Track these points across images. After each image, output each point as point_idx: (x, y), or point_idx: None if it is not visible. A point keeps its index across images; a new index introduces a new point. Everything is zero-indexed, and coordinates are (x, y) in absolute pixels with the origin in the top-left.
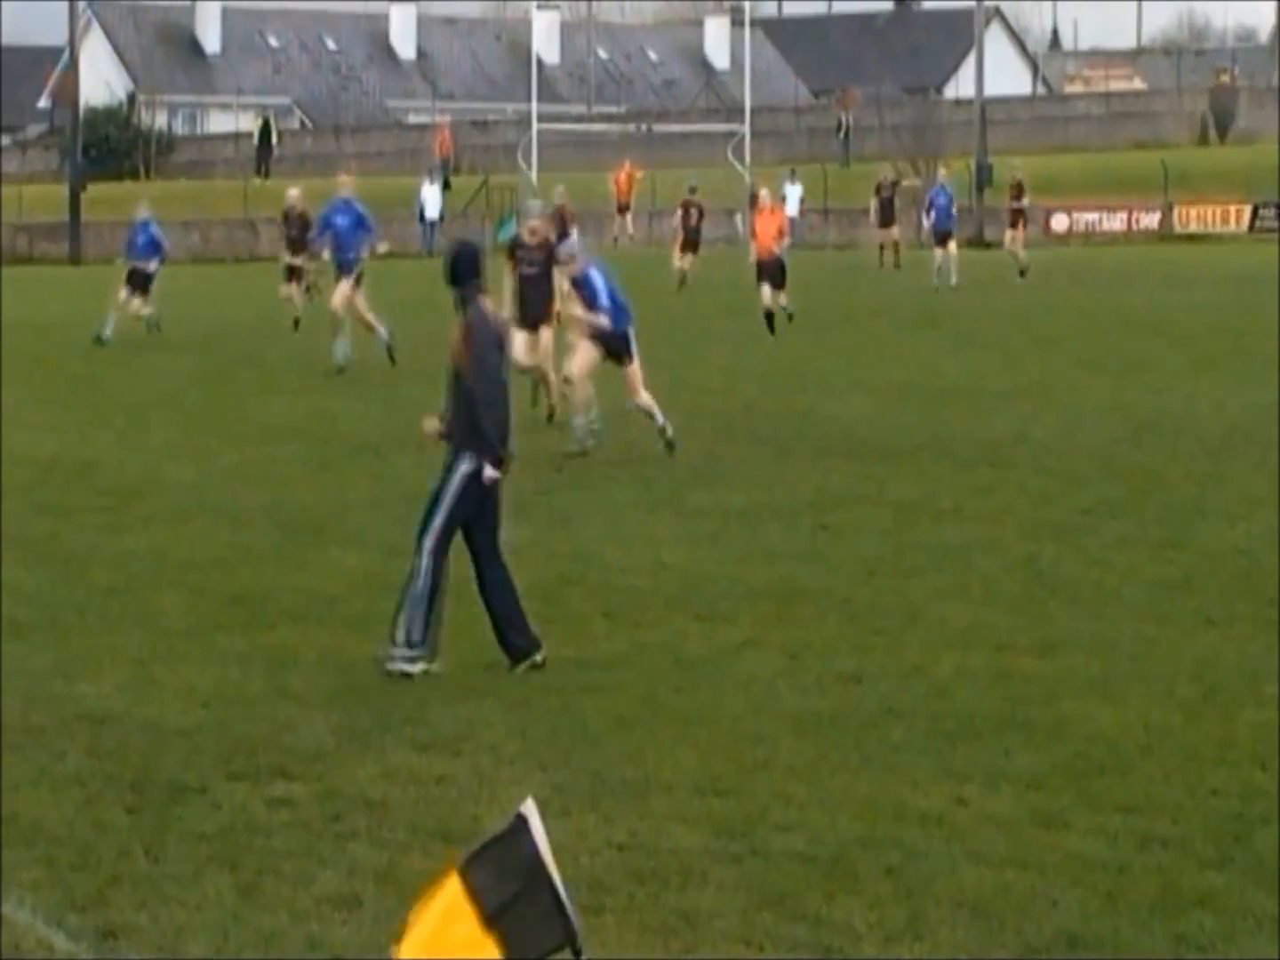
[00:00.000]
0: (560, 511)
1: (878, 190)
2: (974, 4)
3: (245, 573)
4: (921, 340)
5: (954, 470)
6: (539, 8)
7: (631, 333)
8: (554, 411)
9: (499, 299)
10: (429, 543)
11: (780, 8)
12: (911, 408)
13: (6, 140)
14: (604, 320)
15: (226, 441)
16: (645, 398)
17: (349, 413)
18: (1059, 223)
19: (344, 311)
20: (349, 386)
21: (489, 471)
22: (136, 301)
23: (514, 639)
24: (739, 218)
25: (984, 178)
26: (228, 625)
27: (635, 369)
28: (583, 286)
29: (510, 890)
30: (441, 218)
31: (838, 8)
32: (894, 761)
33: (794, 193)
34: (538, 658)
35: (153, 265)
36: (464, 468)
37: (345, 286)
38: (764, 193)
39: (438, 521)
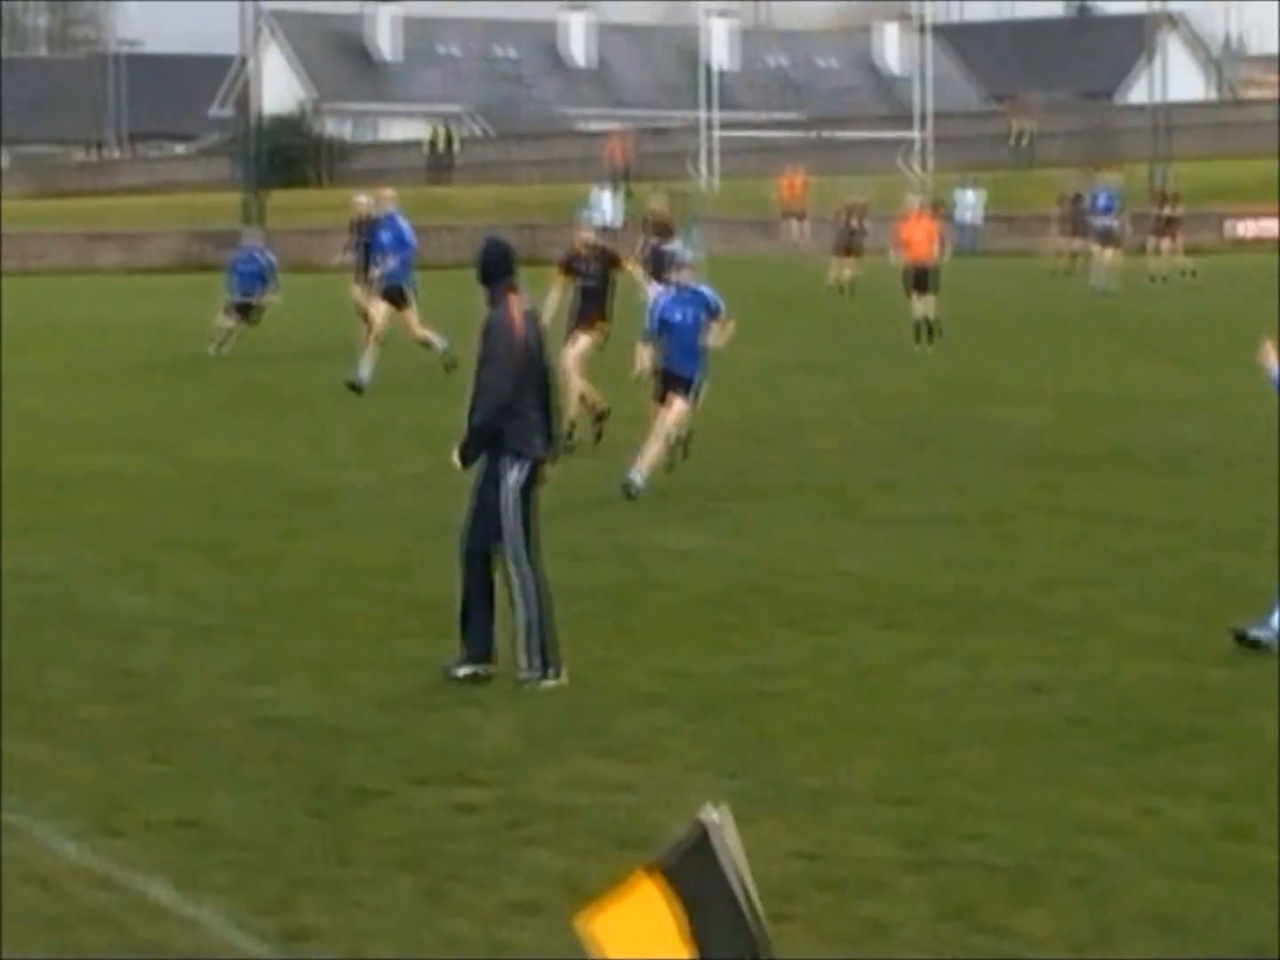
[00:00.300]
0: (740, 520)
1: (1063, 201)
2: (1149, 8)
3: (427, 579)
4: (1102, 348)
5: (1136, 478)
6: (718, 14)
7: (700, 381)
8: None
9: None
10: (515, 568)
11: (959, 12)
12: (1092, 416)
13: (184, 148)
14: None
15: (407, 448)
16: (662, 444)
17: None
18: (1240, 229)
19: (418, 332)
20: None
21: (454, 458)
22: (233, 321)
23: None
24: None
25: (1162, 183)
26: (410, 631)
27: (683, 408)
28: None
29: (703, 896)
30: (617, 224)
31: (1014, 12)
32: (1079, 772)
33: (973, 199)
34: (481, 670)
35: (261, 298)
36: (511, 477)
37: (410, 314)
38: (914, 199)
39: (511, 547)
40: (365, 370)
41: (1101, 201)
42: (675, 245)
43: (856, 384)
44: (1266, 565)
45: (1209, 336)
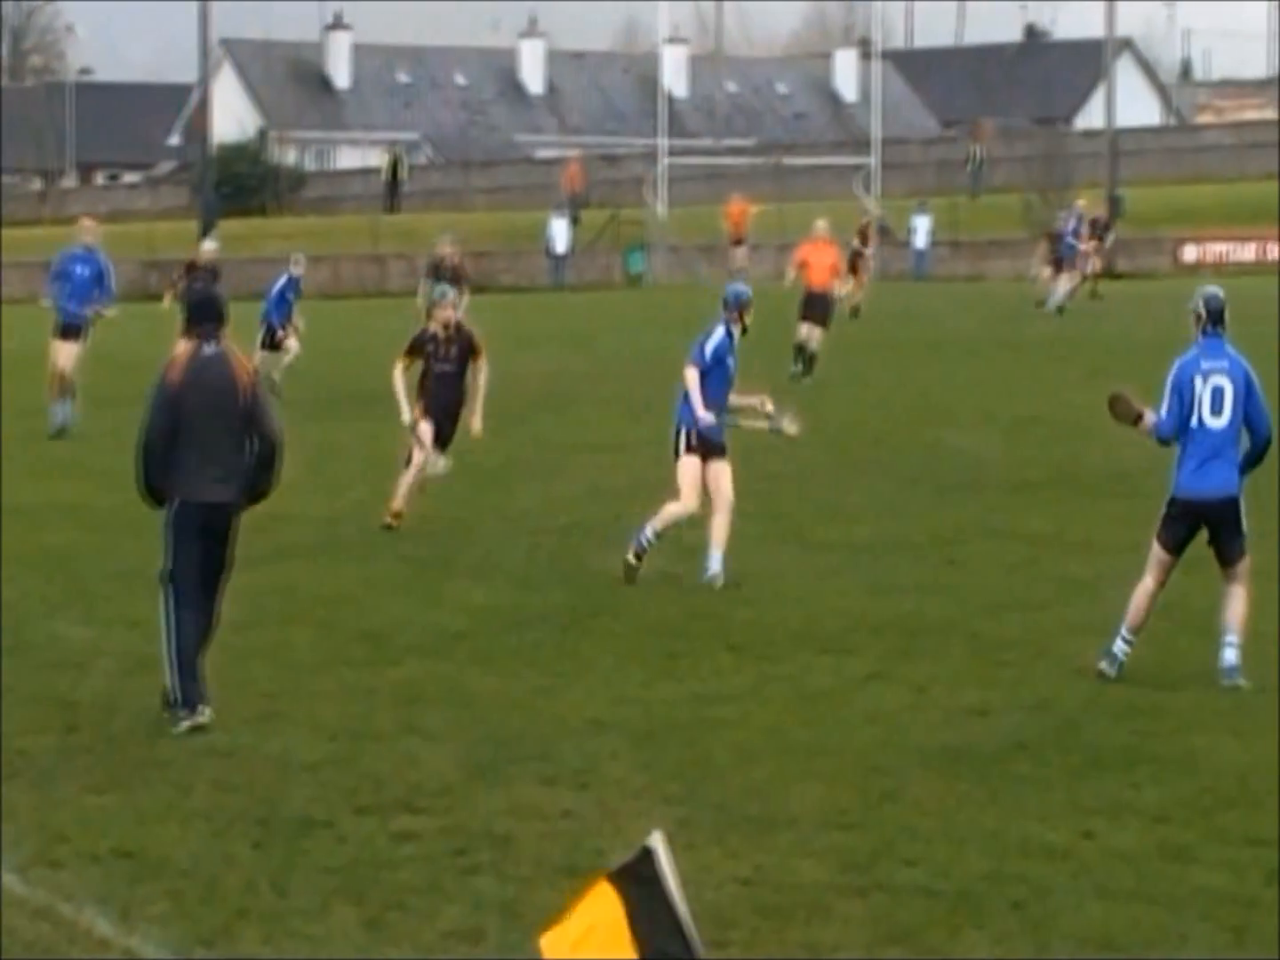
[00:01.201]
0: (686, 546)
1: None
2: (1104, 35)
3: (373, 607)
4: (1051, 372)
5: (1084, 502)
6: (668, 42)
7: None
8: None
9: (394, 401)
10: (161, 604)
11: (909, 39)
12: (1040, 440)
13: (138, 177)
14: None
15: (355, 475)
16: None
17: (477, 446)
18: (1189, 253)
19: (69, 372)
20: None
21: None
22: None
23: (189, 688)
24: (868, 251)
25: (1115, 209)
26: (355, 660)
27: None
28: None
29: (640, 921)
30: (570, 252)
31: (966, 39)
32: (1021, 795)
33: (923, 224)
34: (202, 718)
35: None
36: (167, 517)
37: (74, 348)
38: (820, 224)
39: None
40: (63, 412)
41: (1073, 226)
42: (739, 285)
43: (803, 409)
44: (1211, 588)
45: (1154, 360)
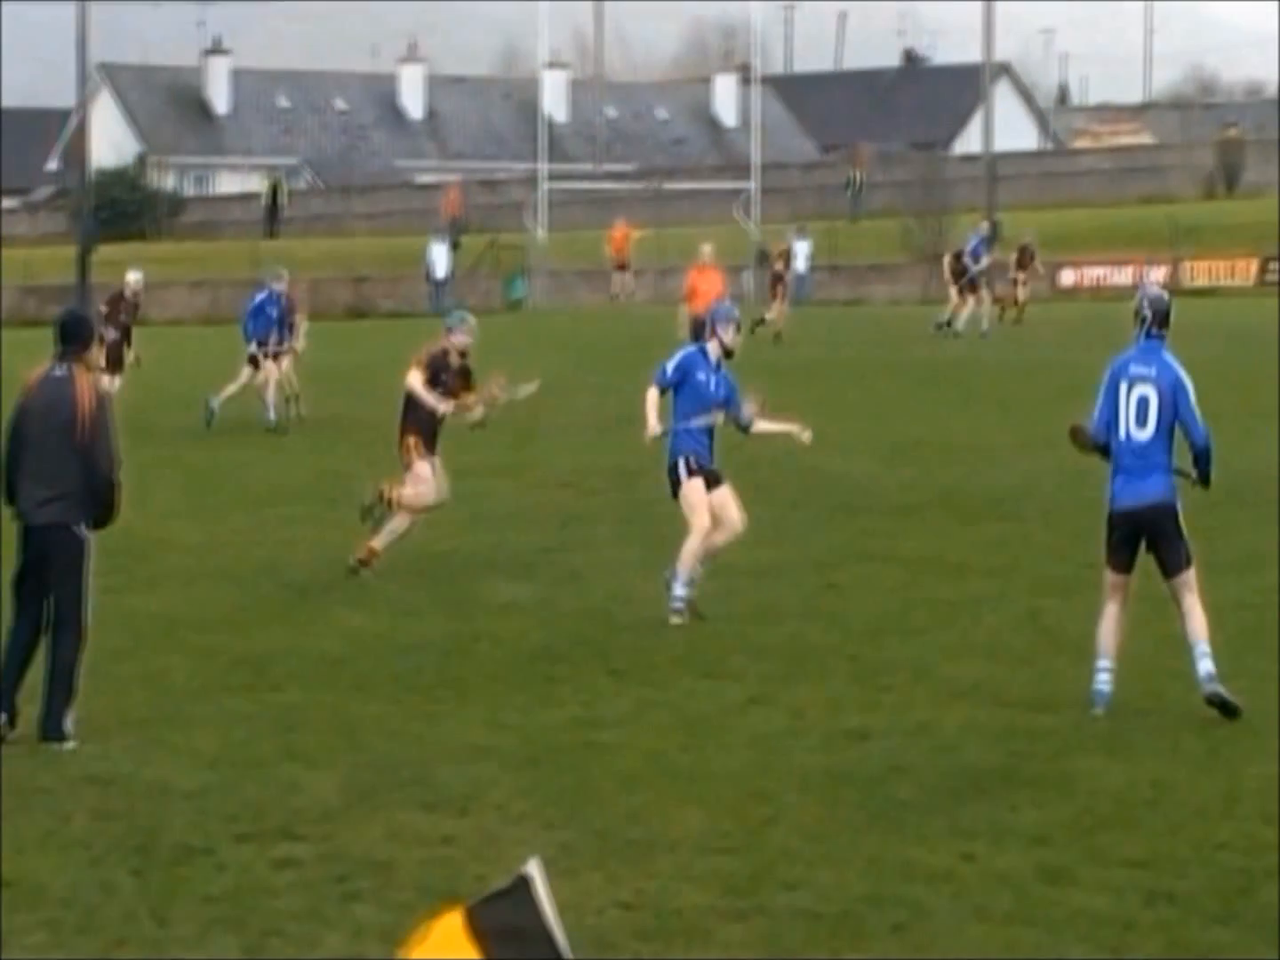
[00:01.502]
0: (567, 570)
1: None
2: (982, 60)
3: (252, 634)
4: (928, 397)
5: (961, 526)
6: (548, 67)
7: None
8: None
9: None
10: None
11: (789, 65)
12: (918, 464)
13: (15, 203)
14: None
15: (233, 503)
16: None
17: (355, 473)
18: (1066, 277)
19: None
20: (356, 448)
21: None
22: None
23: (57, 719)
24: (746, 275)
25: (993, 233)
26: (234, 687)
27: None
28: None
29: (512, 950)
30: (451, 277)
31: (845, 64)
32: (901, 819)
33: (803, 249)
34: (69, 745)
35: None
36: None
37: None
38: (706, 248)
39: None
40: None
41: (978, 250)
42: (725, 303)
43: None
44: (1086, 611)
45: (1032, 384)
